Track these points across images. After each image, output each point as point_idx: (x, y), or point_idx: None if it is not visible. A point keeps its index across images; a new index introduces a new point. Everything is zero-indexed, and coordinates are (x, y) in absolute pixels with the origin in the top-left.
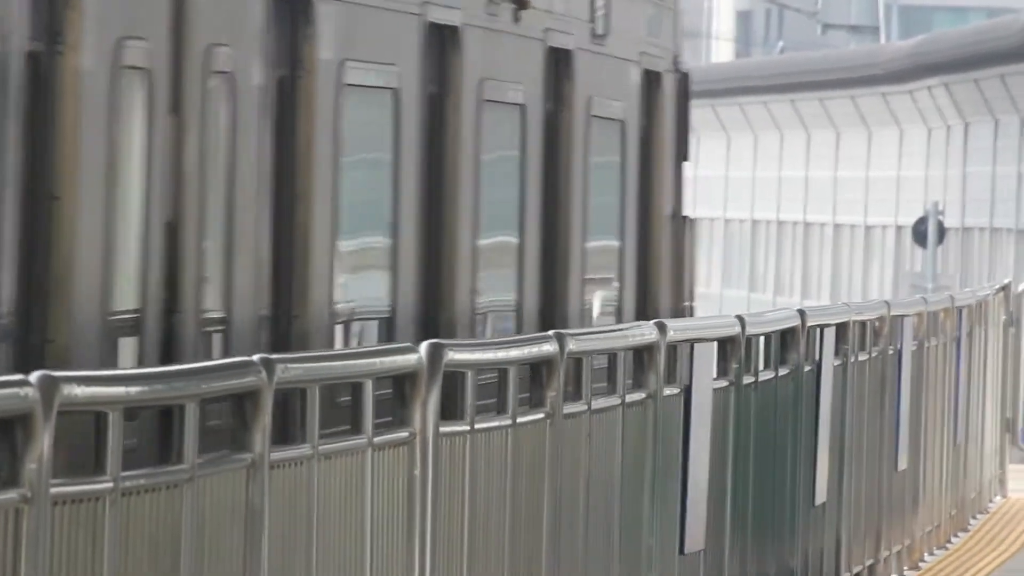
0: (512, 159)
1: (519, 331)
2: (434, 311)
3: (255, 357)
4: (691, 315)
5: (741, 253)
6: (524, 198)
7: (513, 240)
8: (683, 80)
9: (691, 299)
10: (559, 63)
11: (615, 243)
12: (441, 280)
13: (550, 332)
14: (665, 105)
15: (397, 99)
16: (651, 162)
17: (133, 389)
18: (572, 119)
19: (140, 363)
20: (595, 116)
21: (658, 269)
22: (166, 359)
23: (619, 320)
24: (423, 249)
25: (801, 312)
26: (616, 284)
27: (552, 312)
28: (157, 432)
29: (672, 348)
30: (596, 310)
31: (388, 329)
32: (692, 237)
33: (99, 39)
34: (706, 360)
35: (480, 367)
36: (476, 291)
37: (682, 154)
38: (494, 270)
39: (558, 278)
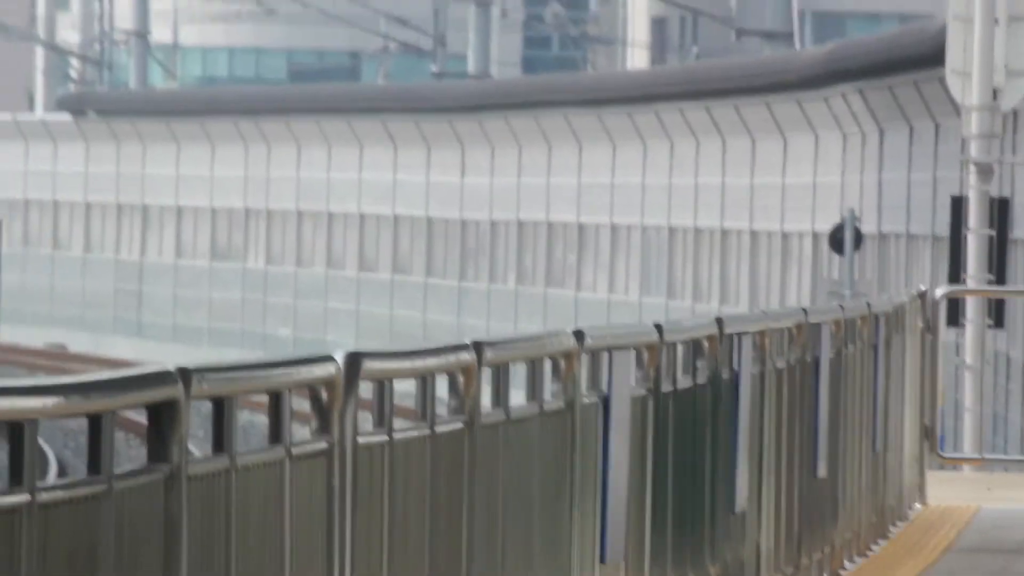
0: None
1: None
2: None
3: (171, 367)
4: None
5: (659, 260)
6: None
7: None
8: None
9: None
10: None
11: None
12: None
13: (467, 341)
14: None
15: None
16: None
17: (50, 401)
18: None
19: None
20: None
21: None
22: None
23: None
24: None
25: (719, 320)
26: None
27: None
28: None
29: (591, 356)
30: None
31: None
32: None
33: None
34: (624, 368)
35: (398, 376)
36: None
37: None
38: None
39: None
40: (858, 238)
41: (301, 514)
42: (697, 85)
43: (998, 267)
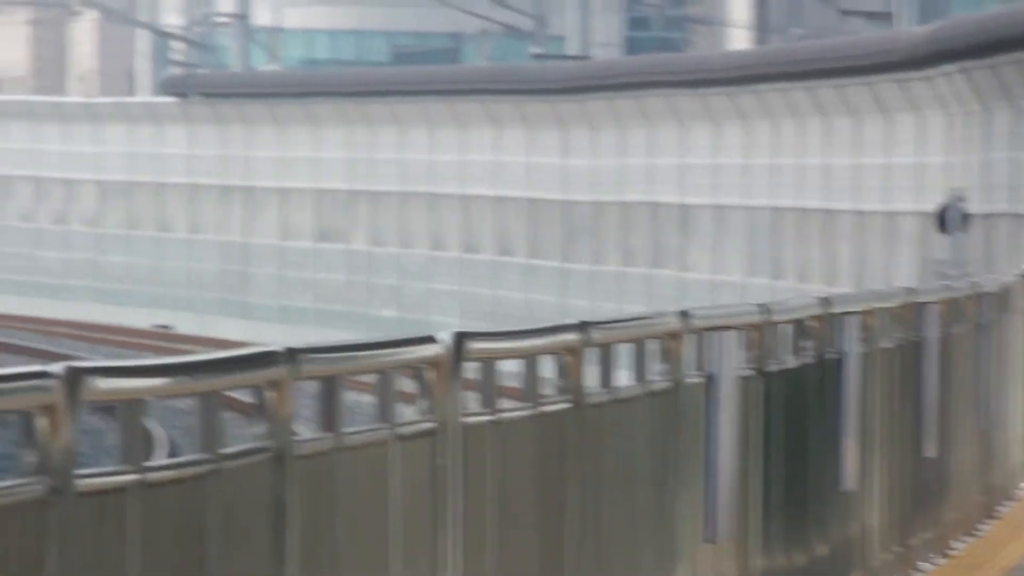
0: None
1: None
2: None
3: (278, 347)
4: None
5: (763, 241)
6: None
7: None
8: None
9: None
10: None
11: None
12: None
13: (574, 321)
14: None
15: None
16: None
17: (157, 381)
18: None
19: None
20: None
21: None
22: None
23: None
24: None
25: (825, 299)
26: None
27: None
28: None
29: (696, 336)
30: None
31: None
32: None
33: None
34: (730, 348)
35: (504, 356)
36: None
37: None
38: None
39: None
40: (964, 218)
41: (406, 493)
42: (799, 66)
43: None
